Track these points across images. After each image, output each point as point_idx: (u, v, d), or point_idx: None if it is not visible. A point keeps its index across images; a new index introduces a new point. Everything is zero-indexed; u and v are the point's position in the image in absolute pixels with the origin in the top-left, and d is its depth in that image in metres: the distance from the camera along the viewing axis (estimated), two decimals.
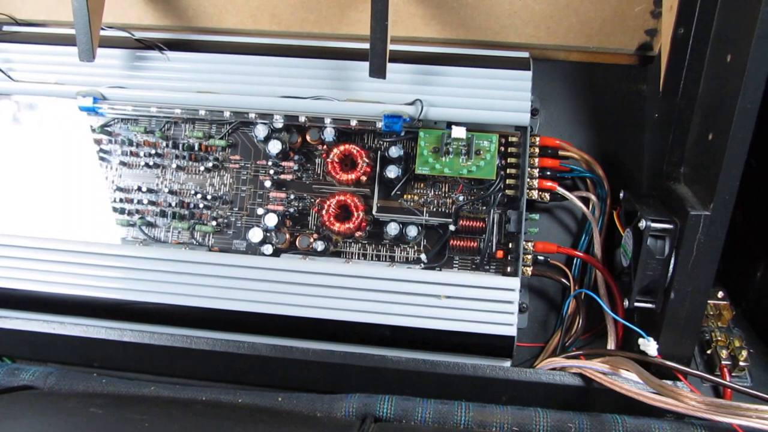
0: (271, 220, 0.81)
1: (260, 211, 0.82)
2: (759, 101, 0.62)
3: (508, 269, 0.79)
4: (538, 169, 0.80)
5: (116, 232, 0.85)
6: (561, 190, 0.81)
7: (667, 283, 0.70)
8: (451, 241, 0.79)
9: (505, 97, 0.78)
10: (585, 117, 0.87)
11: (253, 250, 0.82)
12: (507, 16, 0.82)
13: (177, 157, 0.84)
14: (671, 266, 0.70)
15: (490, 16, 0.82)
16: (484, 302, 0.75)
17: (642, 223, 0.70)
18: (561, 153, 0.82)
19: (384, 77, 0.73)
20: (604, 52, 0.85)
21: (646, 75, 0.86)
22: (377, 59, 0.73)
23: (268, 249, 0.81)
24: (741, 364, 0.76)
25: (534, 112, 0.84)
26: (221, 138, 0.83)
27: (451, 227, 0.79)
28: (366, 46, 0.72)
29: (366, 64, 0.73)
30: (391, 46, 0.74)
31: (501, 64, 0.80)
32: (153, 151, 0.84)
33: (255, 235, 0.81)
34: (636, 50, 0.84)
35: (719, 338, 0.77)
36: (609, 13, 0.81)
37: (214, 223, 0.83)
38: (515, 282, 0.75)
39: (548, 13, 0.81)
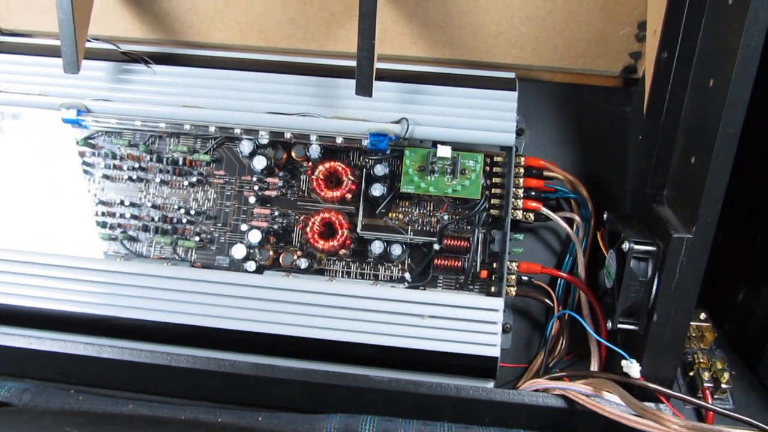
0: (255, 237, 0.80)
1: (244, 227, 0.81)
2: (740, 125, 0.62)
3: (492, 289, 0.78)
4: (522, 190, 0.79)
5: (98, 246, 0.84)
6: (545, 211, 0.80)
7: (650, 305, 0.70)
8: (436, 261, 0.78)
9: (491, 117, 0.78)
10: (570, 138, 0.87)
11: (236, 266, 0.81)
12: (494, 37, 0.82)
13: (161, 171, 0.83)
14: (654, 288, 0.69)
15: (477, 36, 0.82)
16: (467, 322, 0.74)
17: (625, 245, 0.70)
18: (546, 173, 0.81)
19: (370, 95, 0.73)
20: (589, 73, 0.86)
21: (630, 97, 0.86)
22: (364, 77, 0.73)
23: (251, 266, 0.80)
24: (723, 386, 0.75)
25: (519, 132, 0.84)
26: (206, 153, 0.82)
27: (436, 246, 0.78)
28: (353, 63, 0.72)
29: (352, 82, 0.73)
30: (377, 65, 0.74)
31: (487, 84, 0.80)
32: (137, 165, 0.83)
33: (238, 251, 0.80)
34: (621, 72, 0.84)
35: (701, 360, 0.77)
36: (594, 36, 0.81)
37: (197, 238, 0.82)
38: (499, 302, 0.75)
39: (534, 35, 0.81)
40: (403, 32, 0.84)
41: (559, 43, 0.82)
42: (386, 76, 0.78)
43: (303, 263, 0.79)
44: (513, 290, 0.78)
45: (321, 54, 0.86)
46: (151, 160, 0.83)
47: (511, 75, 0.82)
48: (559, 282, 0.82)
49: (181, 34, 0.88)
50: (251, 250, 0.80)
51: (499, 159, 0.79)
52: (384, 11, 0.81)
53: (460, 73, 0.81)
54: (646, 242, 0.69)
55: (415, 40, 0.83)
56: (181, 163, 0.82)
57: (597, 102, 0.86)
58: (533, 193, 0.80)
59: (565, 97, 0.87)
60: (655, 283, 0.69)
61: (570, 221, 0.82)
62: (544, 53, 0.83)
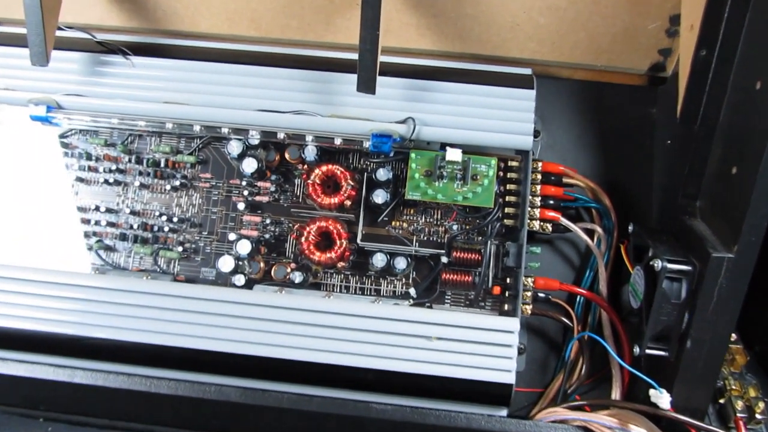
0: (244, 247, 0.73)
1: (232, 236, 0.74)
2: None
3: (506, 307, 0.72)
4: (540, 198, 0.73)
5: (73, 256, 0.76)
6: (565, 221, 0.74)
7: (682, 329, 0.64)
8: (443, 275, 0.73)
9: (506, 118, 0.72)
10: (590, 141, 0.80)
11: (224, 280, 0.75)
12: (509, 29, 0.75)
13: (141, 173, 0.77)
14: (688, 311, 0.63)
15: (491, 29, 0.76)
16: (479, 345, 0.67)
17: (657, 264, 0.64)
18: (565, 180, 0.75)
19: (373, 92, 0.67)
20: (612, 71, 0.79)
21: (656, 97, 0.80)
22: (366, 72, 0.66)
23: (239, 279, 0.73)
24: (758, 416, 0.69)
25: (535, 135, 0.76)
26: (190, 154, 0.76)
27: (444, 259, 0.73)
28: (354, 56, 0.66)
29: (353, 77, 0.67)
30: (381, 58, 0.68)
31: (502, 81, 0.73)
32: (114, 167, 0.77)
33: (225, 263, 0.73)
34: (647, 71, 0.78)
35: (733, 387, 0.71)
36: (620, 30, 0.74)
37: (180, 248, 0.76)
38: (514, 323, 0.68)
39: (554, 28, 0.75)
40: (409, 23, 0.77)
41: (581, 36, 0.75)
42: (390, 71, 0.72)
43: (297, 277, 0.73)
44: (529, 308, 0.71)
45: (318, 45, 0.79)
46: (129, 161, 0.77)
47: (528, 71, 0.75)
48: (578, 299, 0.75)
49: (163, 22, 0.80)
50: (240, 262, 0.74)
51: (514, 164, 0.74)
52: (389, 0, 0.74)
53: (472, 68, 0.75)
54: (681, 261, 0.63)
55: (423, 32, 0.77)
56: (163, 165, 0.76)
57: (620, 102, 0.80)
58: (551, 202, 0.74)
59: (585, 96, 0.81)
60: (690, 306, 0.62)
61: (591, 233, 0.76)
62: (564, 48, 0.76)
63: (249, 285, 0.73)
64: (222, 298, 0.69)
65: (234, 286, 0.73)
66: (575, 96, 0.81)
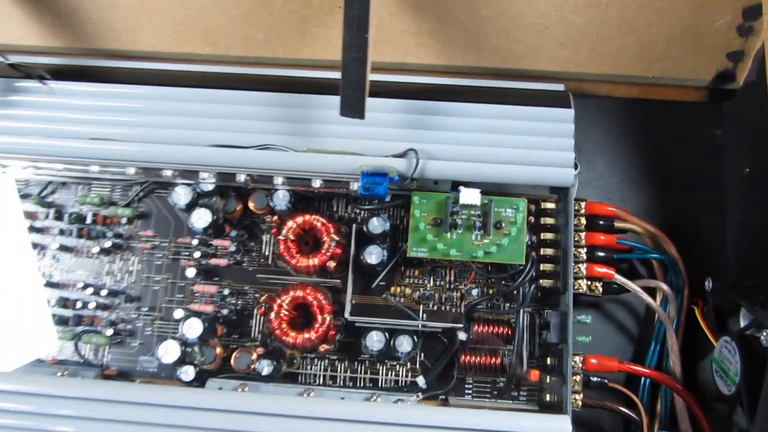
0: (193, 328, 0.59)
1: (179, 313, 0.61)
2: None
3: (548, 398, 0.58)
4: (585, 249, 0.59)
5: None
6: (620, 279, 0.59)
7: None
8: (462, 357, 0.60)
9: (537, 146, 0.60)
10: (642, 174, 0.67)
11: (168, 373, 0.61)
12: (536, 34, 0.62)
13: (62, 232, 0.65)
14: None
15: (513, 34, 0.62)
16: None
17: (765, 336, 0.47)
18: (616, 225, 0.62)
19: (362, 116, 0.55)
20: (664, 84, 0.66)
21: (721, 115, 0.66)
22: (352, 89, 0.54)
23: (187, 372, 0.59)
24: None
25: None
26: (126, 206, 0.65)
27: (461, 335, 0.60)
28: (336, 75, 0.54)
29: (335, 99, 0.55)
30: (372, 76, 0.56)
31: (529, 99, 0.62)
32: (27, 225, 0.65)
33: (168, 351, 0.59)
34: (711, 81, 0.65)
35: None
36: (678, 29, 0.61)
37: (110, 331, 0.62)
38: (563, 423, 0.52)
39: (594, 30, 0.62)
40: (407, 30, 0.63)
41: (628, 41, 0.62)
42: (385, 90, 0.62)
43: (266, 366, 0.59)
44: (579, 399, 0.57)
45: (292, 64, 0.67)
46: (47, 216, 0.65)
47: (560, 87, 0.63)
48: (643, 383, 0.61)
49: (94, 40, 0.67)
50: (188, 349, 0.60)
51: (549, 206, 0.62)
52: (380, 0, 0.62)
53: (487, 85, 0.65)
54: None
55: (424, 41, 0.64)
56: (90, 220, 0.65)
57: (676, 122, 0.67)
58: (601, 254, 0.60)
59: (631, 117, 0.68)
60: None
61: (653, 292, 0.62)
62: (606, 55, 0.63)
63: (201, 379, 0.60)
64: (162, 401, 0.53)
65: (181, 381, 0.59)
66: (619, 118, 0.68)
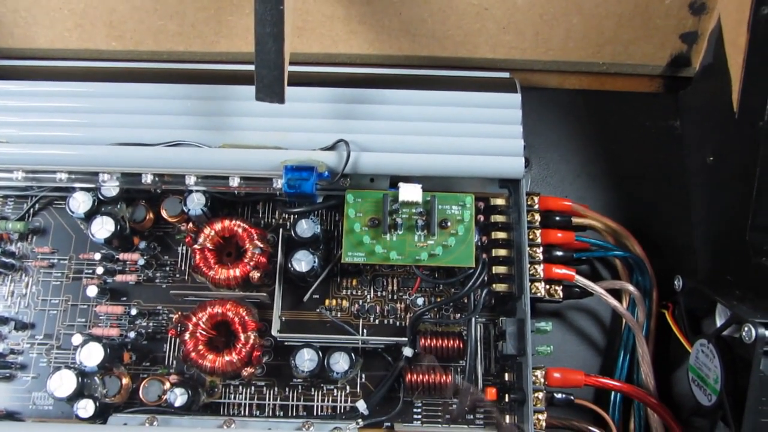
0: (93, 356, 0.51)
1: (77, 339, 0.53)
2: None
3: (507, 419, 0.52)
4: (542, 248, 0.54)
5: None
6: (582, 280, 0.54)
7: None
8: (408, 376, 0.53)
9: (482, 134, 0.55)
10: (598, 169, 0.62)
11: (66, 409, 0.53)
12: (474, 17, 0.58)
13: None
14: None
15: (450, 19, 0.58)
16: None
17: (747, 332, 0.44)
18: (575, 221, 0.56)
19: (281, 100, 0.49)
20: (615, 73, 0.62)
21: (678, 106, 0.62)
22: (268, 69, 0.47)
23: (86, 408, 0.51)
24: None
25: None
26: (19, 219, 0.58)
27: (407, 351, 0.54)
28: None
29: (251, 89, 0.49)
30: (299, 68, 0.52)
31: (470, 86, 0.56)
32: None
33: (61, 383, 0.50)
34: (666, 67, 0.62)
35: None
36: (628, 9, 0.57)
37: None
38: None
39: (537, 12, 0.57)
40: (334, 15, 0.58)
41: (574, 22, 0.58)
42: (313, 80, 0.57)
43: (179, 397, 0.51)
44: (543, 419, 0.50)
45: (209, 59, 0.61)
46: None
47: (506, 75, 0.58)
48: (613, 398, 0.55)
49: None
50: (87, 380, 0.52)
51: (499, 202, 0.56)
52: None
53: (424, 74, 0.60)
54: None
55: (354, 28, 0.59)
56: None
57: (630, 116, 0.63)
58: (559, 253, 0.55)
59: (583, 109, 0.64)
60: None
61: (618, 294, 0.57)
62: (552, 39, 0.59)
63: (102, 415, 0.52)
64: None
65: (78, 419, 0.51)
66: (571, 111, 0.64)
